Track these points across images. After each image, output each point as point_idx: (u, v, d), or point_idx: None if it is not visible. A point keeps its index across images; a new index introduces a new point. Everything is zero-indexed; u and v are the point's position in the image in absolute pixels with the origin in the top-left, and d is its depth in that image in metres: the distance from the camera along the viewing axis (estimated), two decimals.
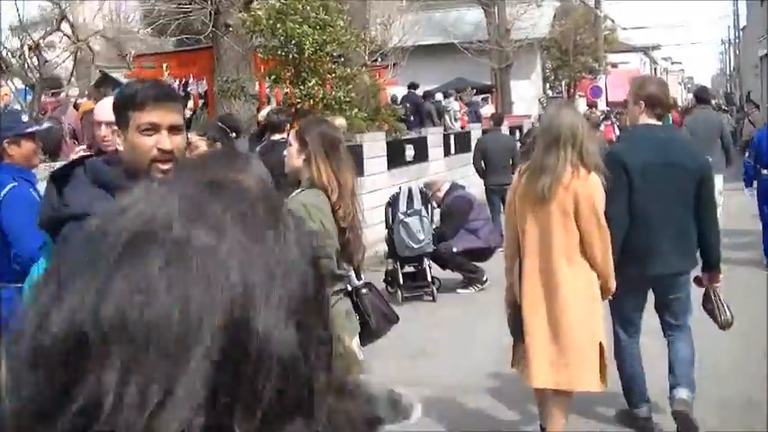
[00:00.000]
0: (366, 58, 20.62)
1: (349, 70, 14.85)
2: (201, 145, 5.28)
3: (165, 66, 17.36)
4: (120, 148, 3.09)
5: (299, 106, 13.87)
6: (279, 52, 13.61)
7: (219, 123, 7.77)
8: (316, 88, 13.63)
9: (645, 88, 6.37)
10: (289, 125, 10.59)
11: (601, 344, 5.54)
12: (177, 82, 16.57)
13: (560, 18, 41.36)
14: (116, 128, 3.14)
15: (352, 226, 4.59)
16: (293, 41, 13.28)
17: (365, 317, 4.74)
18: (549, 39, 39.85)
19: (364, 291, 4.78)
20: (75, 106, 13.63)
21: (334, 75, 14.28)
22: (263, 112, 10.31)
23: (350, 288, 4.73)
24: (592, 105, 34.08)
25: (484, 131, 21.43)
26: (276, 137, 10.28)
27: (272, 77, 14.04)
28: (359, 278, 4.81)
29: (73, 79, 14.20)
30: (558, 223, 5.47)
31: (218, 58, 15.11)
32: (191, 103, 16.66)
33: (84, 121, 12.61)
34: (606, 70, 42.75)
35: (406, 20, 28.52)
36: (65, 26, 11.06)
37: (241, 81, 14.09)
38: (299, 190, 4.58)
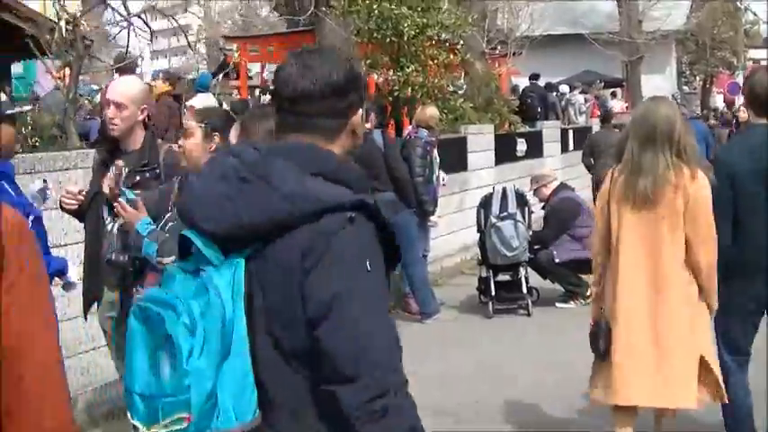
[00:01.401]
0: (484, 45, 19.54)
1: (452, 56, 13.76)
2: (197, 133, 4.37)
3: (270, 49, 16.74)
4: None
5: (397, 94, 12.90)
6: (375, 35, 12.65)
7: (231, 111, 6.81)
8: (415, 75, 12.61)
9: (747, 81, 5.48)
10: (373, 114, 9.61)
11: (703, 357, 5.04)
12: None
13: (697, 9, 39.37)
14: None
15: None
16: (390, 24, 12.29)
17: None
18: (684, 31, 37.86)
19: None
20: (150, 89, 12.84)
21: (436, 61, 13.21)
22: None
23: None
24: (730, 103, 32.56)
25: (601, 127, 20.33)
26: None
27: (368, 62, 13.05)
28: None
29: (146, 61, 13.42)
30: (668, 226, 4.96)
31: (320, 42, 14.23)
32: None
33: (161, 105, 11.84)
34: (746, 66, 40.56)
35: (536, 7, 27.26)
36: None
37: None
38: None
